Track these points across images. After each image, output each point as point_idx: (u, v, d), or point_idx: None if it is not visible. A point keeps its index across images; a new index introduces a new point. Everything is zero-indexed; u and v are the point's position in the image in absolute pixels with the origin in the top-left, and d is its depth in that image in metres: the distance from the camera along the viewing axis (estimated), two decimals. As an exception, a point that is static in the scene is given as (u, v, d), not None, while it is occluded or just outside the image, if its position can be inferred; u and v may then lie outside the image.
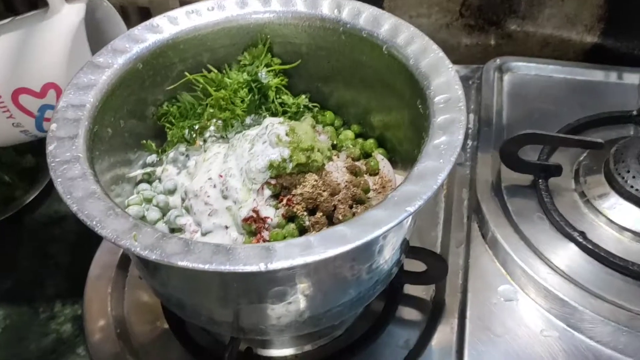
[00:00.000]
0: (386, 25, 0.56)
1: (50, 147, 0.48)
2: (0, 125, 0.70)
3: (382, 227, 0.41)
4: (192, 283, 0.49)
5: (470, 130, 0.81)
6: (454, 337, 0.59)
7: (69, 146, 0.48)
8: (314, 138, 0.55)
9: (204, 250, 0.40)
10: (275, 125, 0.55)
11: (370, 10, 0.58)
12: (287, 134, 0.54)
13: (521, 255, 0.63)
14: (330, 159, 0.57)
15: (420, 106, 0.52)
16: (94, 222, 0.42)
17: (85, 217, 0.42)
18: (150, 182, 0.61)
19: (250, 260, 0.39)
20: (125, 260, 0.72)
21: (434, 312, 0.62)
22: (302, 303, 0.48)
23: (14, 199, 0.86)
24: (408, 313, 0.63)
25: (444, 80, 0.51)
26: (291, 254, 0.39)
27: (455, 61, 0.55)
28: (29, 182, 0.88)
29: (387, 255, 0.50)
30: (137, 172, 0.61)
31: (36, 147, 0.91)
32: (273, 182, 0.53)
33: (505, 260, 0.64)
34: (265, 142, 0.54)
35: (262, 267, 0.39)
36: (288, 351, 0.60)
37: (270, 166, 0.53)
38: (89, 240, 0.75)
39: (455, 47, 0.94)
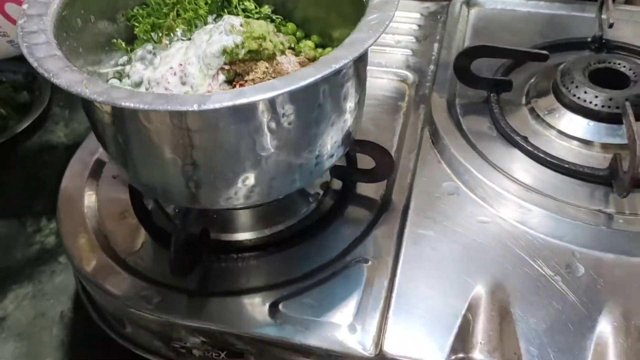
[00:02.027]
0: None
1: (20, 21, 0.53)
2: (-13, 34, 0.75)
3: (308, 79, 0.45)
4: (145, 145, 0.52)
5: (433, 58, 0.85)
6: (396, 224, 0.63)
7: (37, 21, 0.53)
8: (267, 31, 0.59)
9: (147, 96, 0.45)
10: (232, 18, 0.59)
11: None
12: (241, 25, 0.58)
13: (465, 156, 0.67)
14: (283, 52, 0.61)
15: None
16: (51, 75, 0.47)
17: (43, 71, 0.47)
18: (120, 80, 0.66)
19: (186, 103, 0.44)
20: (98, 166, 0.76)
21: (381, 208, 0.66)
22: (247, 167, 0.52)
23: (7, 129, 0.91)
24: (358, 210, 0.67)
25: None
26: (223, 98, 0.44)
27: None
28: (23, 115, 0.93)
29: (326, 132, 0.54)
30: (109, 70, 0.65)
31: (31, 85, 0.98)
32: (227, 67, 0.58)
33: (451, 161, 0.67)
34: (222, 32, 0.58)
35: (195, 107, 0.43)
36: (244, 235, 0.65)
37: (224, 51, 0.57)
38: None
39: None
